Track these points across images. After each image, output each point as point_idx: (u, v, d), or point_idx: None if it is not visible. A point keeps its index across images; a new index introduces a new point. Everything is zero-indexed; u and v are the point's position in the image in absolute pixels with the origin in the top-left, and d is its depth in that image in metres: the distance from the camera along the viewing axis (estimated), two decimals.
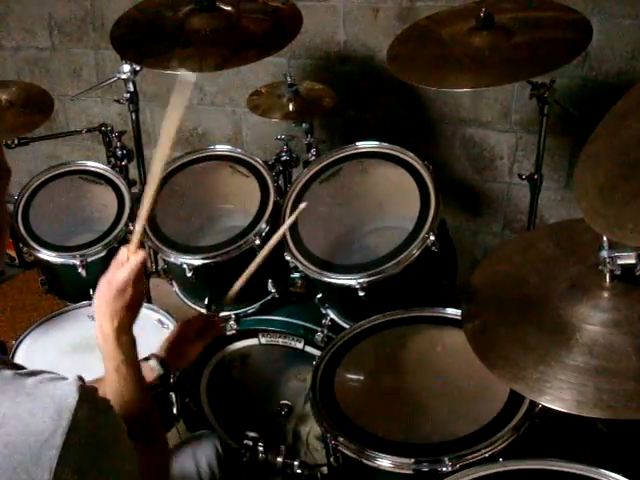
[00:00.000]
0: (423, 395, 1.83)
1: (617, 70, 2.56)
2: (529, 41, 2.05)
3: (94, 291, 2.39)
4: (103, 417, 1.04)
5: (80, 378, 1.03)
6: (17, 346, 2.21)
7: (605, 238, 1.49)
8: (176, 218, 2.37)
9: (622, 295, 1.57)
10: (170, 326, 2.22)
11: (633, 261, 1.48)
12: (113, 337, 1.41)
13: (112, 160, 2.72)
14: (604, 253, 1.51)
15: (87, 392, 1.01)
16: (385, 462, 1.62)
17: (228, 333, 2.27)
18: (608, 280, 1.57)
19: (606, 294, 1.58)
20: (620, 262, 1.51)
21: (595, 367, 1.49)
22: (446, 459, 1.57)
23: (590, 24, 2.06)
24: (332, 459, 1.75)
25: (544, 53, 2.02)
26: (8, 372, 1.00)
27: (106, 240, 2.41)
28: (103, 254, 2.40)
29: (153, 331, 2.20)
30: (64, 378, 1.02)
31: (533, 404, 1.64)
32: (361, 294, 1.97)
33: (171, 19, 2.35)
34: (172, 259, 2.23)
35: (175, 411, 2.10)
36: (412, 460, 1.60)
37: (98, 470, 1.01)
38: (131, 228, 2.42)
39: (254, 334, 2.24)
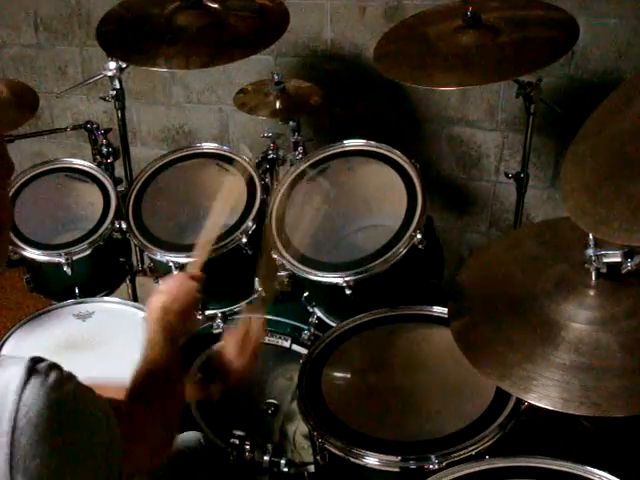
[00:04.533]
0: (410, 393, 1.83)
1: (603, 69, 2.57)
2: (516, 40, 2.06)
3: (79, 289, 2.41)
4: (56, 392, 0.98)
5: (34, 358, 0.99)
6: (1, 345, 2.19)
7: (591, 236, 1.50)
8: (162, 216, 2.36)
9: (608, 293, 1.58)
10: None
11: (619, 259, 1.49)
12: (155, 314, 1.50)
13: (98, 158, 2.71)
14: (590, 251, 1.52)
15: (37, 371, 0.97)
16: (372, 460, 1.62)
17: (214, 331, 2.26)
18: (594, 278, 1.58)
19: (592, 292, 1.59)
20: (606, 260, 1.52)
21: (581, 365, 1.50)
22: (433, 457, 1.58)
23: (576, 23, 2.07)
24: (319, 457, 1.75)
25: (530, 52, 2.02)
26: None
27: (92, 238, 2.40)
28: (88, 252, 2.38)
29: (139, 329, 2.18)
30: (20, 361, 0.99)
31: (519, 402, 1.65)
32: (348, 292, 1.97)
33: (157, 16, 2.35)
34: (158, 257, 2.23)
35: None
36: (399, 458, 1.61)
37: (62, 446, 0.97)
38: (117, 226, 2.41)
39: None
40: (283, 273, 2.25)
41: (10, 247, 2.39)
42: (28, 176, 2.57)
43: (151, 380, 1.35)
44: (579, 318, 1.57)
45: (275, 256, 2.09)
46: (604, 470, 1.40)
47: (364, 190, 2.28)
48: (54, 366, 1.02)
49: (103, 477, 1.04)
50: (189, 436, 1.90)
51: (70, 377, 1.04)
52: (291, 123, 2.50)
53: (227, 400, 2.35)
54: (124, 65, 2.53)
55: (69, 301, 2.36)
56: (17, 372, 0.96)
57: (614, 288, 1.58)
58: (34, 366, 0.98)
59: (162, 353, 1.41)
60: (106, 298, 2.43)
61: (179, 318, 1.52)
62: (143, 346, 1.43)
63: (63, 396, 1.00)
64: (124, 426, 1.11)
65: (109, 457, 1.06)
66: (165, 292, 1.58)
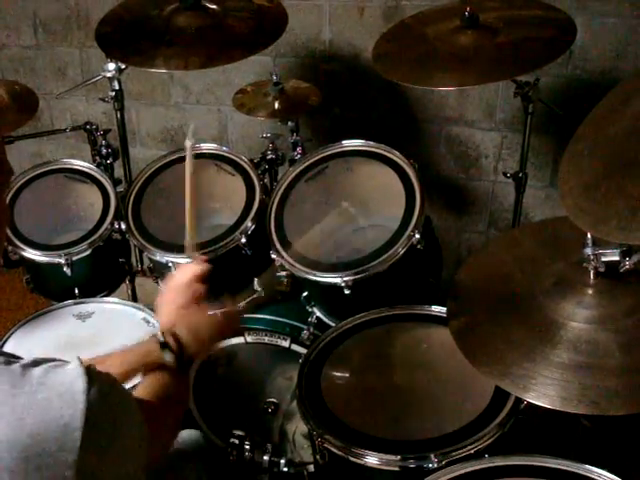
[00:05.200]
0: (409, 392, 1.83)
1: (601, 69, 2.58)
2: (513, 40, 2.06)
3: (79, 290, 2.41)
4: (112, 392, 1.10)
5: (80, 359, 1.08)
6: (1, 345, 2.19)
7: (589, 235, 1.50)
8: (161, 216, 2.37)
9: (606, 292, 1.58)
10: (156, 324, 2.21)
11: (617, 258, 1.50)
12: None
13: (97, 159, 2.71)
14: (588, 250, 1.53)
15: (92, 372, 1.06)
16: (371, 459, 1.62)
17: None
18: (592, 277, 1.59)
19: (590, 291, 1.59)
20: (604, 259, 1.53)
21: (579, 364, 1.50)
22: (432, 456, 1.58)
23: (574, 23, 2.07)
24: (318, 457, 1.75)
25: (528, 52, 2.03)
26: (16, 366, 1.03)
27: (91, 239, 2.40)
28: (88, 253, 2.39)
29: (139, 330, 2.19)
30: (67, 362, 1.07)
31: (518, 401, 1.65)
32: (347, 292, 1.98)
33: (156, 17, 2.35)
34: (157, 257, 2.23)
35: None
36: (398, 457, 1.61)
37: (116, 442, 1.07)
38: (116, 227, 2.41)
39: (240, 332, 2.23)
40: (282, 273, 2.25)
41: (10, 248, 2.40)
42: (28, 177, 2.57)
43: (163, 382, 1.41)
44: (578, 317, 1.58)
45: (274, 256, 2.09)
46: (603, 468, 1.41)
47: (363, 190, 2.28)
48: (98, 369, 1.10)
49: (139, 469, 1.14)
50: (189, 435, 1.91)
51: (115, 379, 1.14)
52: (290, 123, 2.51)
53: (227, 400, 2.36)
54: (123, 66, 2.53)
55: (69, 301, 2.37)
56: (78, 373, 1.05)
57: (612, 287, 1.58)
58: (88, 369, 1.06)
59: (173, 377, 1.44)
60: (106, 298, 2.44)
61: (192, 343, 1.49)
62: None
63: (119, 397, 1.13)
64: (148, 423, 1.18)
65: (143, 448, 1.15)
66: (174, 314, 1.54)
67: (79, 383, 1.03)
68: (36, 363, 1.05)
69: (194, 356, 1.51)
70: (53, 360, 1.08)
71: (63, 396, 1.01)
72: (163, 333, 1.46)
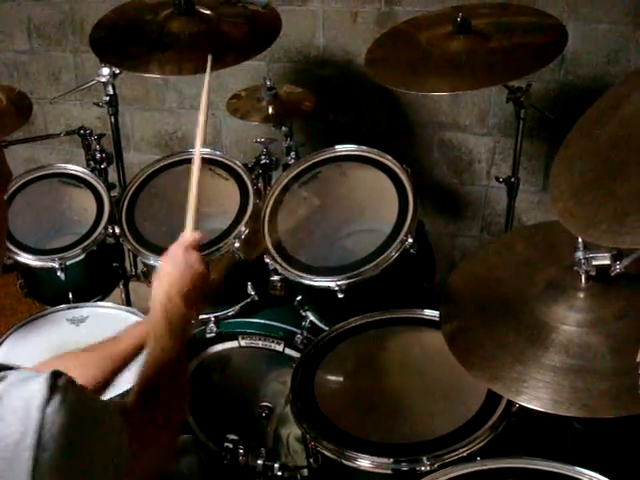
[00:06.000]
0: (402, 396, 1.84)
1: (593, 74, 2.59)
2: (505, 46, 2.08)
3: (73, 294, 2.41)
4: (75, 406, 1.00)
5: (55, 373, 1.01)
6: None
7: (580, 239, 1.51)
8: (155, 221, 2.37)
9: (597, 296, 1.60)
10: None
11: (608, 262, 1.51)
12: (160, 303, 1.42)
13: (91, 163, 2.71)
14: (579, 254, 1.54)
15: (57, 385, 0.99)
16: (364, 462, 1.63)
17: (208, 336, 2.27)
18: (583, 281, 1.60)
19: (581, 295, 1.60)
20: (595, 263, 1.54)
21: (571, 367, 1.51)
22: (425, 459, 1.59)
23: (565, 29, 2.09)
24: (312, 460, 1.76)
25: (520, 57, 2.05)
26: None
27: (85, 243, 2.40)
28: (82, 257, 2.39)
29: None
30: (37, 376, 1.00)
31: (510, 403, 1.66)
32: (340, 296, 1.98)
33: (150, 23, 2.35)
34: (151, 262, 2.24)
35: None
36: (391, 460, 1.62)
37: (81, 458, 1.00)
38: (110, 231, 2.42)
39: (234, 337, 2.24)
40: (276, 277, 2.26)
41: None
42: (22, 182, 2.57)
43: (157, 379, 1.33)
44: (569, 320, 1.59)
45: (267, 260, 2.10)
46: (594, 471, 1.41)
47: (356, 195, 2.29)
48: (72, 381, 1.03)
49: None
50: (181, 440, 1.91)
51: (84, 390, 1.07)
52: (283, 128, 2.51)
53: (221, 404, 2.37)
54: (117, 71, 2.53)
55: (63, 306, 2.37)
56: (39, 388, 0.97)
57: (603, 290, 1.60)
58: (55, 382, 0.99)
59: (167, 349, 1.38)
60: (100, 303, 2.44)
61: (187, 306, 1.45)
62: (148, 341, 1.40)
63: (83, 411, 1.03)
64: (132, 429, 1.12)
65: (118, 463, 1.07)
66: (170, 275, 1.48)
67: (37, 399, 0.96)
68: (6, 376, 0.99)
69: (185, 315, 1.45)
70: (26, 372, 1.02)
71: (17, 412, 0.95)
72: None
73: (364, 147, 2.24)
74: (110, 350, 1.52)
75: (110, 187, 2.62)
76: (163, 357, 1.36)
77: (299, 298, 2.21)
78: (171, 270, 1.49)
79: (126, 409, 1.18)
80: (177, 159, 2.48)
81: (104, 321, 2.30)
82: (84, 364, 1.46)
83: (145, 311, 2.25)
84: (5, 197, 2.39)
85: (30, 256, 2.39)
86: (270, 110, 2.48)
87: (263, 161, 2.52)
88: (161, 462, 1.32)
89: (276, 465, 2.06)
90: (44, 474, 0.94)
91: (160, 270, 1.52)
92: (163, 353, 1.37)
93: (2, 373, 1.00)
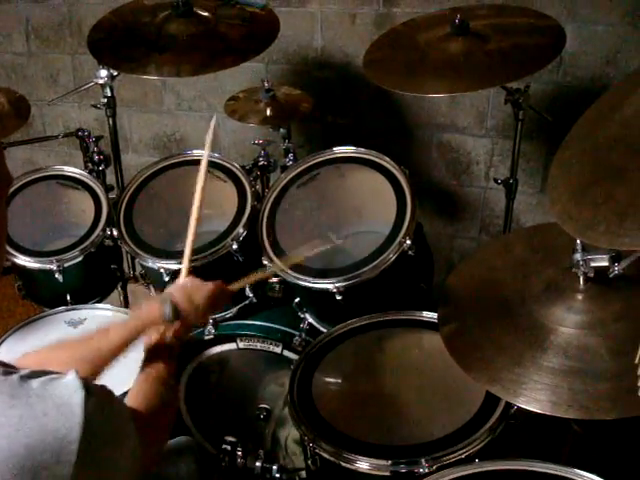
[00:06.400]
0: (400, 397, 1.84)
1: (591, 76, 2.59)
2: (504, 47, 2.08)
3: (71, 296, 2.41)
4: (108, 405, 1.10)
5: (77, 372, 1.07)
6: None
7: (578, 241, 1.51)
8: (153, 223, 2.37)
9: (595, 297, 1.60)
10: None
11: (606, 263, 1.51)
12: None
13: (89, 165, 2.71)
14: (577, 256, 1.54)
15: (89, 384, 1.06)
16: (362, 464, 1.63)
17: (206, 338, 2.26)
18: (582, 283, 1.60)
19: (580, 296, 1.60)
20: (593, 264, 1.54)
21: (569, 368, 1.51)
22: (423, 460, 1.59)
23: (563, 30, 2.09)
24: (310, 462, 1.76)
25: (518, 59, 2.05)
26: (14, 377, 1.03)
27: (83, 245, 2.40)
28: (80, 259, 2.39)
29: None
30: (64, 374, 1.06)
31: (509, 405, 1.66)
32: (338, 298, 1.98)
33: (148, 24, 2.36)
34: (149, 264, 2.23)
35: None
36: (389, 462, 1.62)
37: (112, 455, 1.07)
38: (108, 233, 2.41)
39: (232, 339, 2.24)
40: (274, 279, 2.26)
41: None
42: (20, 183, 2.57)
43: (155, 389, 1.42)
44: (567, 322, 1.59)
45: (266, 262, 2.09)
46: (593, 472, 1.41)
47: (354, 196, 2.29)
48: (99, 384, 1.13)
49: (133, 477, 1.15)
50: (180, 442, 1.91)
51: (110, 391, 1.15)
52: (282, 130, 2.51)
53: (219, 406, 2.36)
54: (115, 73, 2.53)
55: (61, 308, 2.37)
56: (75, 386, 1.04)
57: (602, 292, 1.60)
58: (86, 382, 1.06)
59: (162, 361, 1.49)
60: (98, 305, 2.44)
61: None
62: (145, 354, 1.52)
63: (115, 405, 1.14)
64: (140, 433, 1.18)
65: (134, 464, 1.15)
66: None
67: (77, 396, 1.02)
68: (34, 374, 1.05)
69: (188, 320, 1.57)
70: (51, 372, 1.07)
71: (60, 408, 1.00)
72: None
73: (362, 149, 2.24)
74: (99, 344, 1.54)
75: (108, 189, 2.61)
76: (159, 372, 1.47)
77: (297, 300, 2.21)
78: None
79: (135, 416, 1.23)
80: (175, 161, 2.48)
81: (102, 323, 2.27)
82: (74, 356, 1.48)
83: None
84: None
85: (28, 258, 2.39)
86: (268, 112, 2.48)
87: (261, 163, 2.52)
88: (155, 462, 1.37)
89: (274, 467, 2.05)
90: (85, 466, 1.00)
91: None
92: (161, 370, 1.47)
93: (32, 370, 1.06)
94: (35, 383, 1.03)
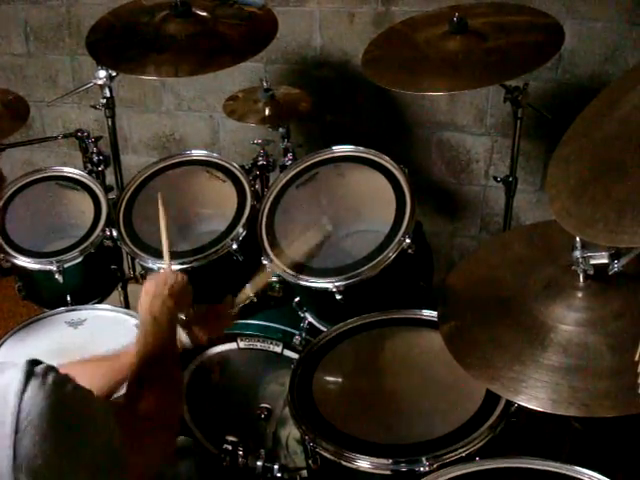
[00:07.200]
0: (400, 396, 1.84)
1: (590, 73, 2.59)
2: (502, 45, 2.08)
3: (71, 297, 2.41)
4: (56, 393, 1.01)
5: (32, 361, 1.01)
6: None
7: (578, 238, 1.51)
8: (153, 223, 2.36)
9: (595, 295, 1.59)
10: None
11: (605, 261, 1.51)
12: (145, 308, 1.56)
13: (89, 166, 2.71)
14: (577, 253, 1.54)
15: (34, 372, 0.99)
16: (363, 463, 1.63)
17: None
18: (582, 280, 1.60)
19: (580, 294, 1.60)
20: (593, 262, 1.54)
21: (569, 366, 1.51)
22: (423, 459, 1.59)
23: (562, 28, 2.09)
24: (311, 461, 1.76)
25: (517, 57, 2.04)
26: None
27: (83, 246, 2.40)
28: (80, 260, 2.39)
29: (131, 336, 2.18)
30: (14, 365, 1.00)
31: (509, 403, 1.66)
32: (338, 297, 1.98)
33: (147, 25, 2.35)
34: (149, 264, 2.23)
35: None
36: (390, 461, 1.62)
37: (65, 445, 0.99)
38: (108, 234, 2.42)
39: (232, 338, 2.24)
40: (274, 279, 2.26)
41: (1, 255, 2.40)
42: (19, 184, 2.57)
43: (151, 366, 1.39)
44: (567, 320, 1.59)
45: (265, 262, 2.09)
46: (593, 470, 1.41)
47: (353, 195, 2.29)
48: (51, 368, 1.03)
49: (104, 474, 1.06)
50: (179, 442, 1.91)
51: (68, 378, 1.06)
52: (281, 130, 2.51)
53: (220, 406, 2.36)
54: (114, 73, 2.53)
55: (61, 309, 2.37)
56: (16, 375, 0.97)
57: (602, 289, 1.59)
58: (32, 369, 0.99)
59: (157, 339, 1.46)
60: (98, 305, 2.43)
61: (172, 299, 1.59)
62: (138, 335, 1.49)
63: (63, 397, 1.02)
64: (125, 427, 1.13)
65: (109, 454, 1.07)
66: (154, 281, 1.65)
67: (14, 385, 0.96)
68: None
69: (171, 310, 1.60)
70: (4, 363, 1.02)
71: None
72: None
73: (361, 148, 2.24)
74: (113, 363, 1.55)
75: (108, 189, 2.61)
76: (149, 351, 1.42)
77: (297, 299, 2.21)
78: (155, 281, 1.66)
79: (118, 406, 1.19)
80: (174, 161, 2.49)
81: (102, 323, 2.30)
82: (93, 374, 1.47)
83: None
84: (2, 201, 2.42)
85: (28, 259, 2.39)
86: (267, 111, 2.48)
87: (260, 162, 2.52)
88: (160, 462, 1.33)
89: (275, 466, 2.06)
90: (27, 462, 0.93)
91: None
92: (149, 347, 1.43)
93: None
94: None
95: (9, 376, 0.97)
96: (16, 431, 0.93)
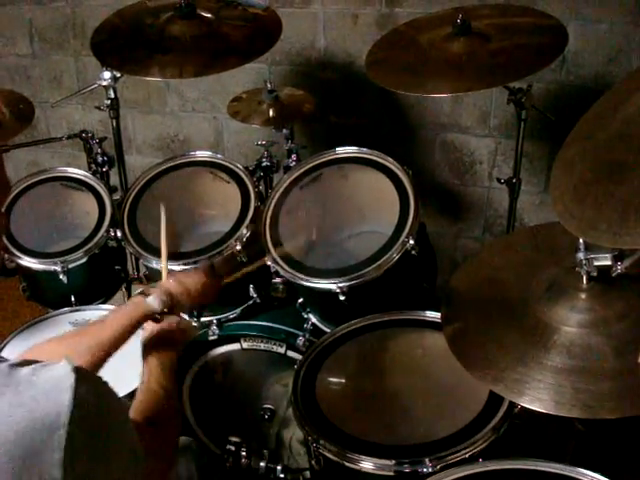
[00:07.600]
0: (403, 397, 1.84)
1: (594, 75, 2.59)
2: (506, 47, 2.07)
3: (75, 297, 2.42)
4: (102, 392, 1.07)
5: (69, 358, 1.04)
6: None
7: (581, 240, 1.51)
8: (157, 224, 2.37)
9: (599, 296, 1.59)
10: None
11: (609, 262, 1.50)
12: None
13: (93, 167, 2.72)
14: (580, 255, 1.53)
15: (81, 371, 1.03)
16: (366, 464, 1.63)
17: (210, 338, 2.27)
18: (585, 281, 1.59)
19: (583, 295, 1.60)
20: (596, 263, 1.53)
21: (573, 367, 1.51)
22: (427, 460, 1.59)
23: (565, 29, 2.09)
24: (314, 462, 1.76)
25: (520, 58, 2.04)
26: (3, 365, 1.01)
27: (87, 246, 2.41)
28: (84, 260, 2.40)
29: (135, 336, 2.19)
30: (56, 362, 1.04)
31: (512, 405, 1.66)
32: (342, 298, 1.98)
33: (151, 26, 2.36)
34: (153, 265, 2.24)
35: None
36: (393, 462, 1.62)
37: (105, 444, 1.03)
38: (112, 234, 2.42)
39: (236, 339, 2.24)
40: (277, 280, 2.26)
41: (6, 256, 2.40)
42: (24, 185, 2.58)
43: (158, 406, 1.43)
44: (571, 321, 1.58)
45: (269, 263, 2.10)
46: (597, 472, 1.41)
47: (357, 197, 2.29)
48: (99, 376, 1.11)
49: (130, 476, 1.10)
50: (180, 442, 1.91)
51: (106, 382, 1.11)
52: (285, 131, 2.52)
53: (223, 407, 2.37)
54: (119, 74, 2.53)
55: (65, 309, 2.38)
56: (66, 371, 1.01)
57: (605, 291, 1.59)
58: (78, 368, 1.03)
59: (162, 382, 1.50)
60: (102, 306, 2.45)
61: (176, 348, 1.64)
62: (144, 375, 1.53)
63: (110, 394, 1.10)
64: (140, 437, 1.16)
65: (136, 464, 1.11)
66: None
67: (67, 381, 0.99)
68: (25, 363, 1.03)
69: (182, 302, 1.70)
70: (42, 361, 1.05)
71: (49, 394, 0.98)
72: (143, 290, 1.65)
73: (365, 149, 2.24)
74: (99, 336, 1.55)
75: (112, 190, 2.63)
76: (160, 388, 1.48)
77: (301, 300, 2.21)
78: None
79: (135, 424, 1.22)
80: (178, 162, 2.49)
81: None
82: (76, 350, 1.49)
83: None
84: (7, 201, 2.42)
85: (32, 259, 2.40)
86: (271, 113, 2.48)
87: (264, 164, 2.53)
88: (167, 469, 1.38)
89: (279, 467, 2.05)
90: (76, 453, 0.96)
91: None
92: (161, 382, 1.50)
93: (23, 359, 1.04)
94: (25, 370, 1.01)
95: (59, 372, 1.01)
96: (71, 422, 0.96)
